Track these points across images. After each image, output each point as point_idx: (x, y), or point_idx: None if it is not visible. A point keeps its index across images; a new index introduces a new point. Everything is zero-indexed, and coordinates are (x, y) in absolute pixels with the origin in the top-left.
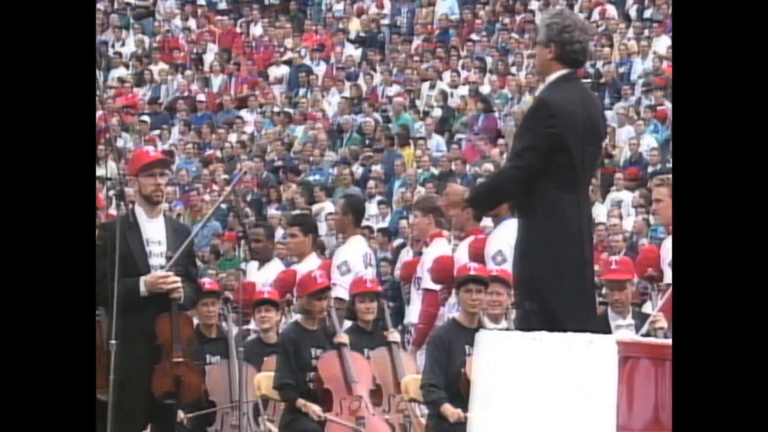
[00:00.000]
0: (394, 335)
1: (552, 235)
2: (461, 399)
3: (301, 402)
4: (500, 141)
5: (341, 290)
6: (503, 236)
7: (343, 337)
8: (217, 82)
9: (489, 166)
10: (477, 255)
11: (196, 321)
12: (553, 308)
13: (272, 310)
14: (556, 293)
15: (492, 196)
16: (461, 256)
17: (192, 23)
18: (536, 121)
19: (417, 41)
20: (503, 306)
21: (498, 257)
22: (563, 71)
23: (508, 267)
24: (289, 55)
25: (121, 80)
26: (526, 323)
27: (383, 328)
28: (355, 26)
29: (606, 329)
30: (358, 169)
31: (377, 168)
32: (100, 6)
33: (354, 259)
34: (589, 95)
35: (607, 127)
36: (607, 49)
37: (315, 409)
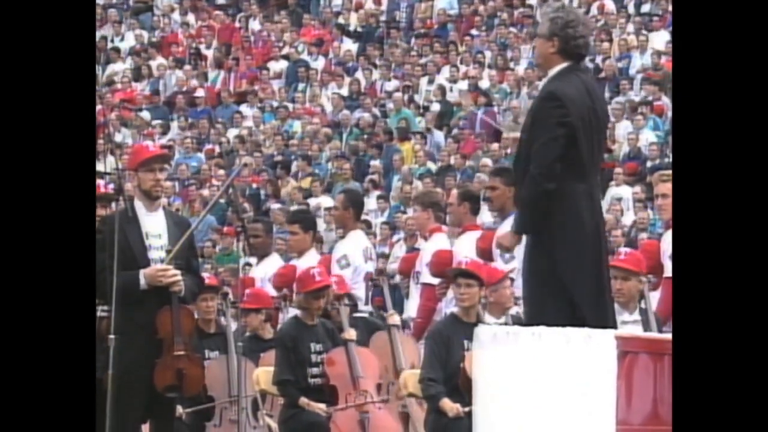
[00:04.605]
0: (394, 318)
1: (566, 224)
2: (460, 393)
3: (304, 401)
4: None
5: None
6: None
7: (350, 334)
8: (214, 76)
9: (487, 161)
10: (485, 252)
11: (195, 315)
12: (573, 298)
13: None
14: (575, 283)
15: (535, 213)
16: (460, 250)
17: (191, 18)
18: (547, 114)
19: (415, 36)
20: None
21: (507, 254)
22: (565, 64)
23: (516, 263)
24: (287, 50)
25: (120, 75)
26: (540, 316)
27: (383, 311)
28: (353, 20)
29: (613, 324)
30: (358, 164)
31: (376, 163)
32: (99, 0)
33: (354, 253)
34: (592, 85)
35: (609, 118)
36: (606, 44)
37: (320, 407)
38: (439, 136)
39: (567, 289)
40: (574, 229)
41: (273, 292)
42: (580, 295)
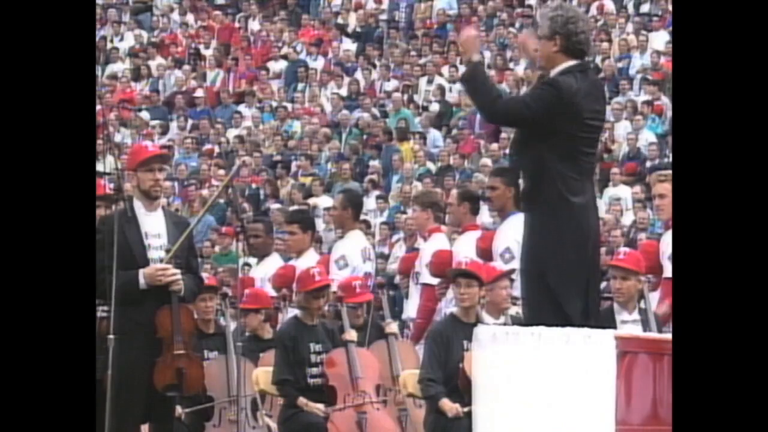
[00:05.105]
0: (392, 327)
1: (559, 226)
2: (459, 394)
3: (302, 401)
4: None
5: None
6: (510, 233)
7: (351, 334)
8: (214, 76)
9: (487, 161)
10: (485, 252)
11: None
12: (561, 301)
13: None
14: (563, 285)
15: (485, 92)
16: (460, 250)
17: (190, 18)
18: (539, 91)
19: (414, 36)
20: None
21: (506, 254)
22: (570, 63)
23: (516, 264)
24: (286, 50)
25: (119, 75)
26: (535, 317)
27: (381, 320)
28: (352, 20)
29: (611, 324)
30: (357, 164)
31: (375, 163)
32: (99, 0)
33: (352, 253)
34: (596, 84)
35: (605, 121)
36: (605, 44)
37: (318, 407)
38: (437, 135)
39: (557, 292)
40: (564, 231)
41: (272, 292)
42: (566, 297)
